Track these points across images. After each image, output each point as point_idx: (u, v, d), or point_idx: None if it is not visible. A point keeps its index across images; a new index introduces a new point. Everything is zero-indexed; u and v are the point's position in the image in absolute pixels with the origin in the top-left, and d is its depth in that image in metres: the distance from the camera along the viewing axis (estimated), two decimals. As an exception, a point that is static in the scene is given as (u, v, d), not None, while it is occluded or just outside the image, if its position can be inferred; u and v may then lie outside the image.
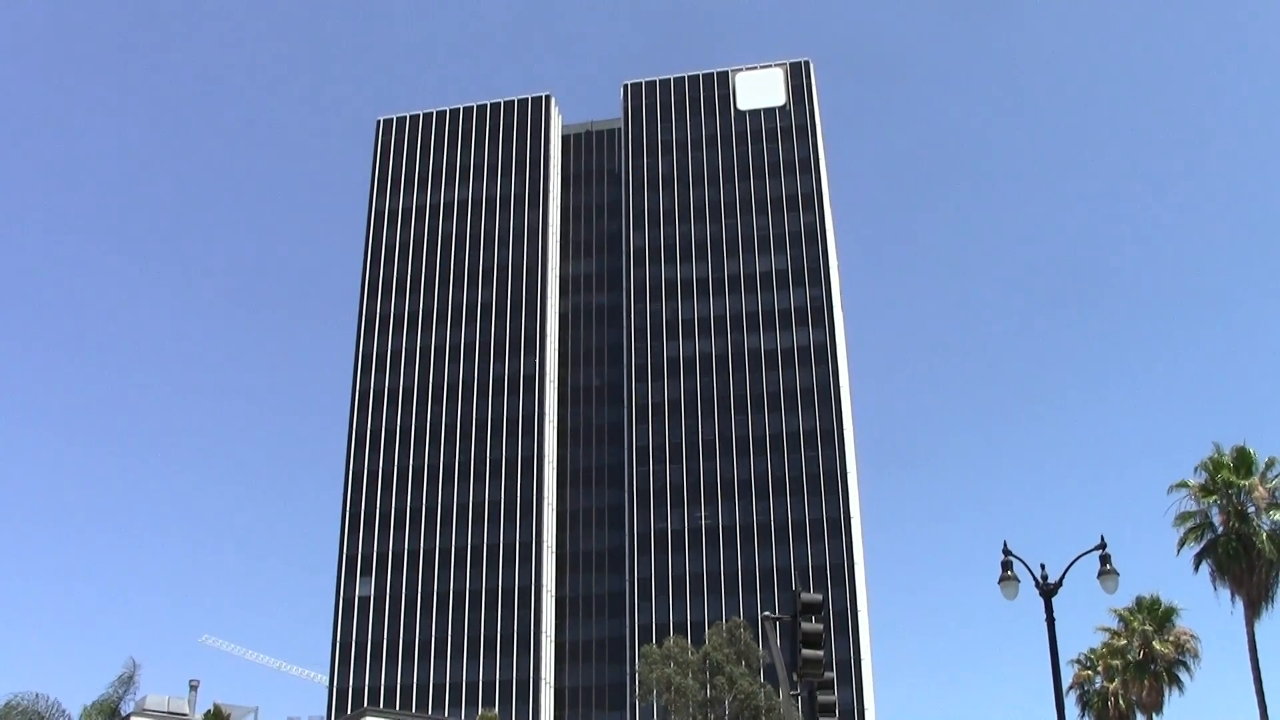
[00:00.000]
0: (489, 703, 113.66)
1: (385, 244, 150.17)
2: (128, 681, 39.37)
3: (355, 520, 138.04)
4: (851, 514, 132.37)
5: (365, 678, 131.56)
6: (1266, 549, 49.71)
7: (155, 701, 41.86)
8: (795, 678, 27.82)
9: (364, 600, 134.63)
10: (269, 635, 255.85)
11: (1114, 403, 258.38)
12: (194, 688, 47.49)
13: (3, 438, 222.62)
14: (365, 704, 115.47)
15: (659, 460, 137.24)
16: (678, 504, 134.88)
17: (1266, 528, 50.74)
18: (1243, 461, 51.93)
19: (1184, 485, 52.84)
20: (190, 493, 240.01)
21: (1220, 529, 51.77)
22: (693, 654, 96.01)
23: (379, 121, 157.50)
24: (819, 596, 29.25)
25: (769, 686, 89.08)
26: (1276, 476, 52.10)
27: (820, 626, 27.81)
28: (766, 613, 29.88)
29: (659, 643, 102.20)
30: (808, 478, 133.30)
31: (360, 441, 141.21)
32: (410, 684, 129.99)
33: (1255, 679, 48.47)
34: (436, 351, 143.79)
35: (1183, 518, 52.71)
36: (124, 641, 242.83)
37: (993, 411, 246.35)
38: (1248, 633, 48.96)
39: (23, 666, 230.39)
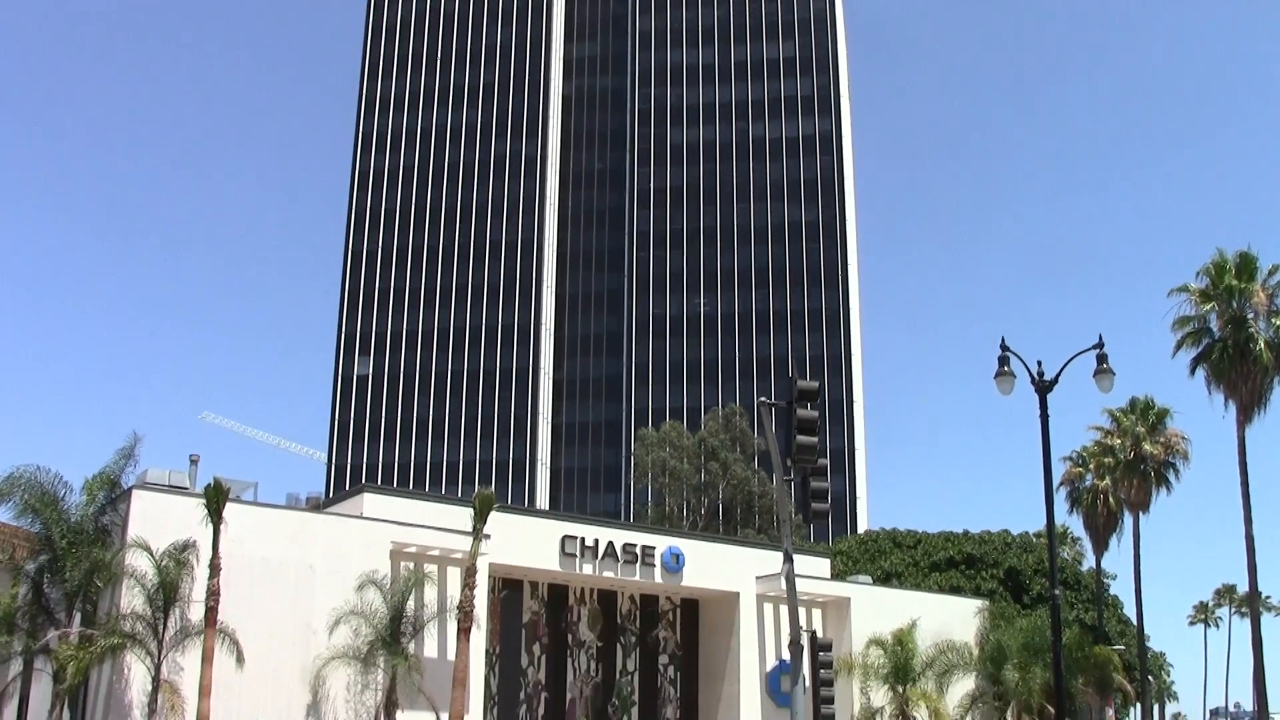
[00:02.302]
0: (485, 481, 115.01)
1: (386, 23, 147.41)
2: (129, 455, 39.46)
3: (354, 300, 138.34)
4: (851, 306, 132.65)
5: (363, 455, 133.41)
6: (1263, 355, 49.71)
7: (156, 475, 42.08)
8: (788, 463, 27.94)
9: (362, 379, 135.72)
10: (268, 414, 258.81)
11: (1118, 207, 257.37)
12: (194, 462, 47.74)
13: (1, 217, 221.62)
14: (363, 481, 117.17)
15: (659, 246, 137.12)
16: (677, 291, 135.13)
17: (1265, 333, 50.66)
18: (1245, 266, 51.59)
19: (1185, 289, 52.62)
20: (189, 272, 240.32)
21: (1218, 334, 51.70)
22: (688, 439, 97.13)
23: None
24: (815, 384, 29.20)
25: (763, 473, 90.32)
26: (1278, 282, 51.89)
27: (815, 414, 27.81)
28: (763, 398, 29.93)
29: (655, 427, 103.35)
30: (808, 268, 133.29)
31: (360, 221, 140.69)
32: (408, 462, 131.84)
33: (1242, 482, 48.92)
34: (437, 132, 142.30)
35: (1181, 321, 52.59)
36: (124, 420, 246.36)
37: (996, 211, 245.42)
38: (1238, 437, 49.30)
39: (24, 445, 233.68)
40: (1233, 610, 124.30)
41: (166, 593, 37.50)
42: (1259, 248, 51.33)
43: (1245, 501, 48.38)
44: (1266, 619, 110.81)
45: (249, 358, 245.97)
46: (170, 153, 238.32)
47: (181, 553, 37.66)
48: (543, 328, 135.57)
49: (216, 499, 35.53)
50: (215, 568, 35.51)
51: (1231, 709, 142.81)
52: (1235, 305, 51.49)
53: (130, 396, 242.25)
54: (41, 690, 39.96)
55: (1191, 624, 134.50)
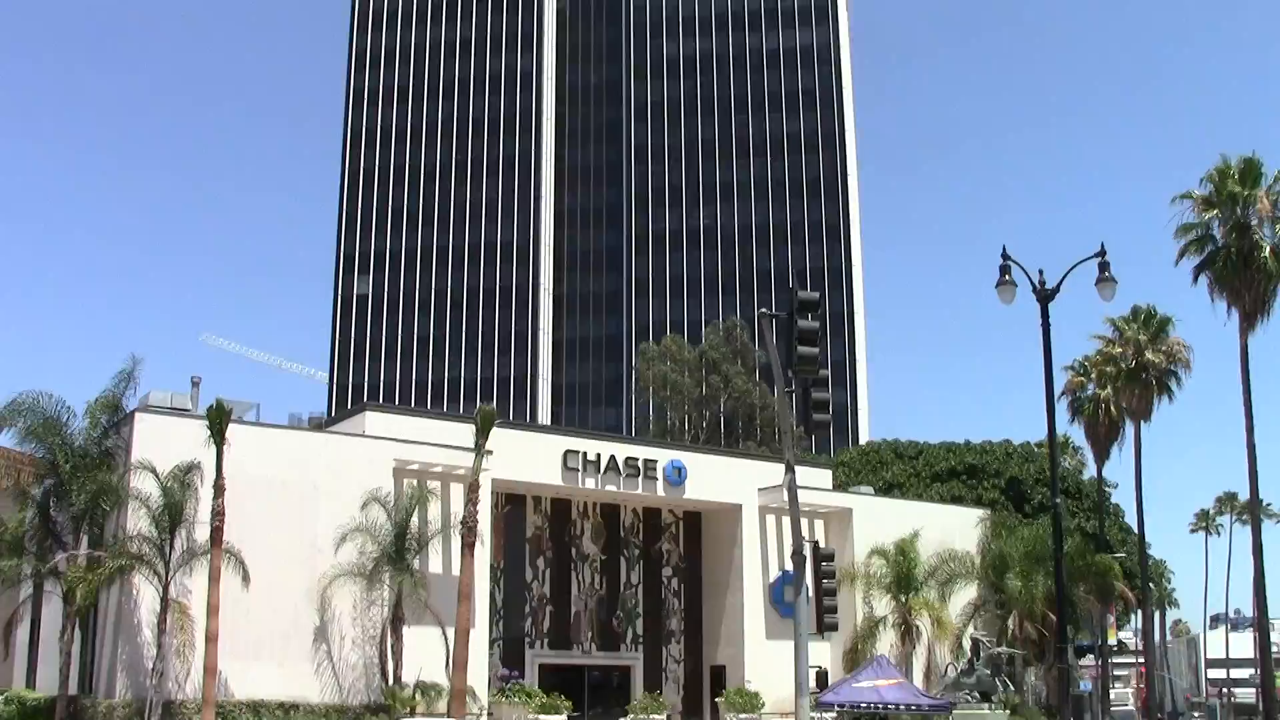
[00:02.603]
0: (487, 398, 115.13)
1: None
2: (128, 377, 39.54)
3: (352, 219, 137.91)
4: (851, 218, 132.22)
5: (364, 375, 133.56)
6: (1267, 262, 49.51)
7: (158, 397, 42.17)
8: (789, 375, 27.91)
9: (362, 298, 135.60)
10: (269, 335, 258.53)
11: (1122, 115, 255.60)
12: (196, 384, 47.73)
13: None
14: (365, 400, 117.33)
15: (658, 160, 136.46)
16: (675, 204, 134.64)
17: (1269, 240, 50.44)
18: (1249, 172, 51.20)
19: (1188, 196, 52.29)
20: (186, 194, 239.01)
21: (1221, 241, 51.47)
22: (689, 353, 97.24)
23: None
24: (815, 295, 29.09)
25: (764, 385, 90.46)
26: (1283, 189, 51.51)
27: (815, 325, 27.73)
28: (763, 310, 29.82)
29: (656, 342, 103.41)
30: (808, 181, 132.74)
31: (356, 140, 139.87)
32: (409, 381, 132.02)
33: (1244, 389, 48.93)
34: (432, 48, 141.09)
35: (1184, 229, 52.32)
36: (124, 345, 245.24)
37: (997, 120, 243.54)
38: (1241, 345, 49.21)
39: (24, 370, 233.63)
40: (1234, 518, 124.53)
41: (172, 514, 37.71)
42: (1264, 153, 50.86)
43: (1247, 409, 48.43)
44: (1267, 526, 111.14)
45: (248, 280, 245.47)
46: (166, 72, 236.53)
47: (186, 474, 37.83)
48: (542, 244, 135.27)
49: (219, 420, 35.61)
50: (220, 488, 35.65)
51: (1232, 615, 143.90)
52: (1239, 212, 51.17)
53: (129, 321, 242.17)
54: (52, 612, 40.39)
55: (1193, 531, 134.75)
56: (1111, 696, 78.00)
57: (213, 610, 33.80)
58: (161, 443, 39.07)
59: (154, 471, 37.71)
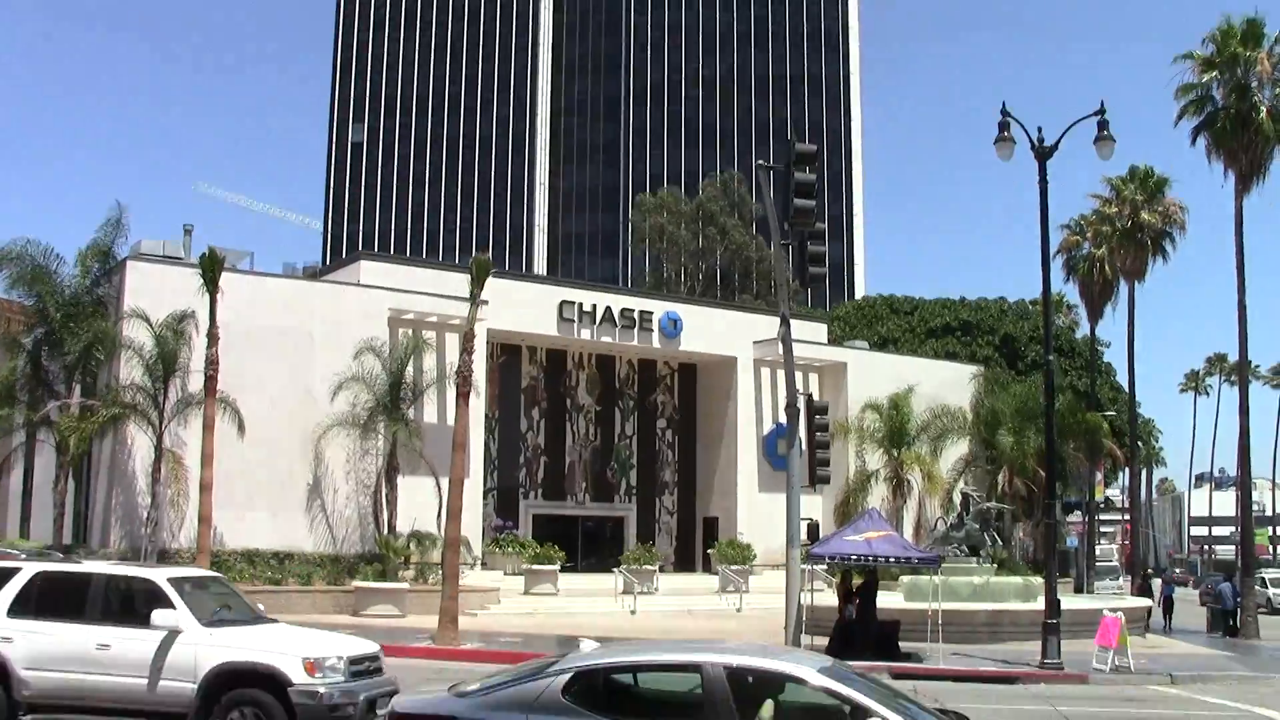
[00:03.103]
0: (483, 248, 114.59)
1: None
2: (116, 225, 39.10)
3: (347, 66, 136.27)
4: (851, 71, 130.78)
5: (359, 223, 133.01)
6: (1265, 124, 48.91)
7: (150, 246, 42.01)
8: (785, 227, 27.66)
9: (357, 146, 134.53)
10: (263, 185, 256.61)
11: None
12: (188, 233, 47.50)
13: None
14: (360, 249, 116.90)
15: (657, 8, 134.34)
16: (675, 54, 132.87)
17: (1268, 102, 49.81)
18: (1251, 33, 50.27)
19: (1189, 56, 51.41)
20: (180, 43, 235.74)
21: (1221, 102, 50.82)
22: (686, 204, 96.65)
23: None
24: (813, 147, 28.67)
25: (760, 238, 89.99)
26: (1285, 50, 50.73)
27: (813, 177, 27.40)
28: (760, 161, 29.30)
29: (653, 193, 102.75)
30: (808, 31, 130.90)
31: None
32: (404, 230, 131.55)
33: (1238, 251, 48.59)
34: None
35: (1184, 89, 51.53)
36: (118, 194, 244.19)
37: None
38: (1236, 206, 48.68)
39: (15, 219, 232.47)
40: (1222, 379, 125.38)
41: (166, 363, 37.67)
42: (1268, 13, 49.94)
43: (1240, 271, 48.17)
44: (1255, 387, 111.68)
45: (242, 129, 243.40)
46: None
47: (179, 323, 37.69)
48: (539, 91, 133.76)
49: (212, 268, 35.30)
50: (213, 337, 35.45)
51: (1216, 475, 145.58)
52: (1239, 73, 50.36)
53: (123, 171, 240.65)
54: (45, 462, 40.42)
55: (1182, 392, 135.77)
56: (1097, 552, 78.99)
57: (207, 460, 33.84)
58: (154, 291, 38.88)
59: (147, 320, 37.55)
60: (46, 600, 15.41)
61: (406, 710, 10.29)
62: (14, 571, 15.75)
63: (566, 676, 9.59)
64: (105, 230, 39.04)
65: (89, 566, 16.57)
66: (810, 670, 9.50)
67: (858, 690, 9.31)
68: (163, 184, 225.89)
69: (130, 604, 15.41)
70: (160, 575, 15.68)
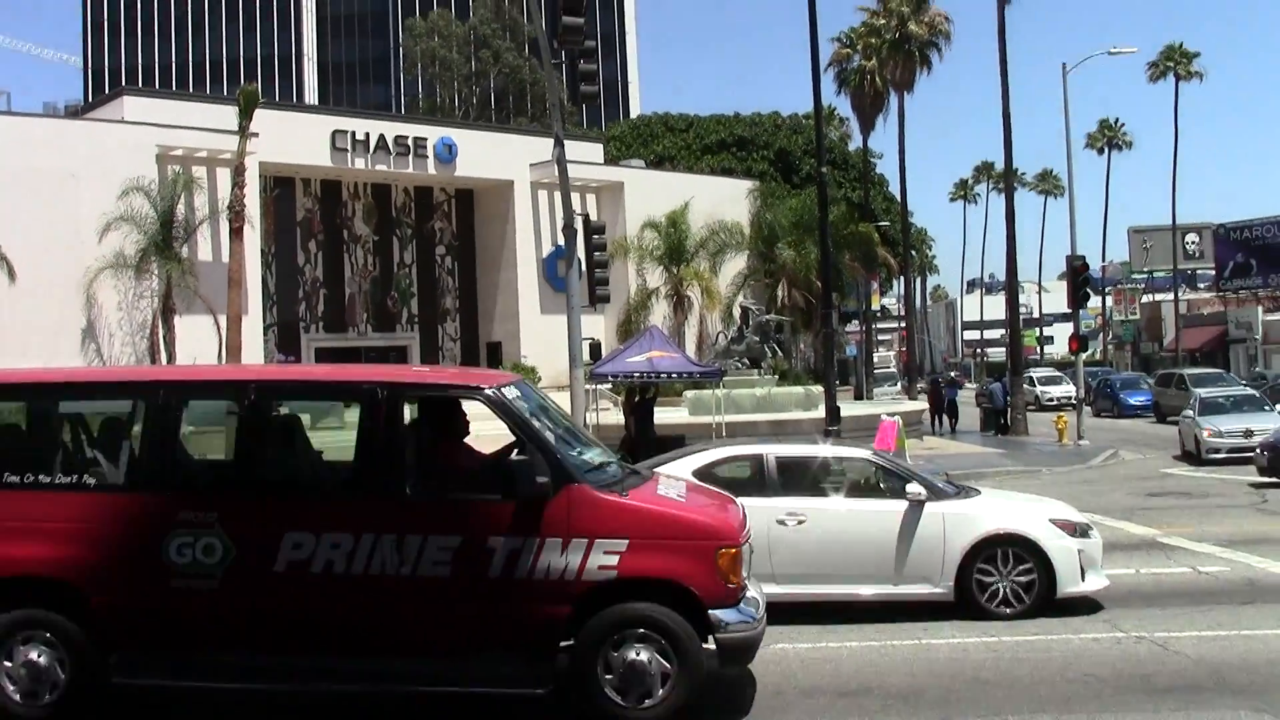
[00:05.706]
0: (251, 79, 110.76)
1: None
2: None
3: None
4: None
5: (121, 57, 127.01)
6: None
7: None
8: (556, 45, 27.33)
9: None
10: (14, 19, 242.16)
11: None
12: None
13: None
14: (123, 84, 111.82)
15: None
16: None
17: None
18: None
19: None
20: None
21: (981, -91, 51.66)
22: (458, 27, 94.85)
23: None
24: (583, -37, 28.38)
25: (534, 61, 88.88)
26: None
27: (583, -9, 27.14)
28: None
29: (423, 16, 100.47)
30: None
31: None
32: (169, 62, 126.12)
33: (1001, 61, 49.45)
34: None
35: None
36: None
37: None
38: (998, 16, 49.51)
39: None
40: (990, 186, 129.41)
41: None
42: None
43: (1003, 80, 49.29)
44: (1020, 194, 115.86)
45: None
46: None
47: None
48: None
49: (-41, 105, 33.58)
50: (-35, 178, 33.90)
51: (986, 280, 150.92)
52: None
53: None
54: None
55: (952, 200, 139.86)
56: (875, 360, 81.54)
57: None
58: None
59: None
60: None
61: None
62: None
63: None
64: None
65: None
66: None
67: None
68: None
69: None
70: None
